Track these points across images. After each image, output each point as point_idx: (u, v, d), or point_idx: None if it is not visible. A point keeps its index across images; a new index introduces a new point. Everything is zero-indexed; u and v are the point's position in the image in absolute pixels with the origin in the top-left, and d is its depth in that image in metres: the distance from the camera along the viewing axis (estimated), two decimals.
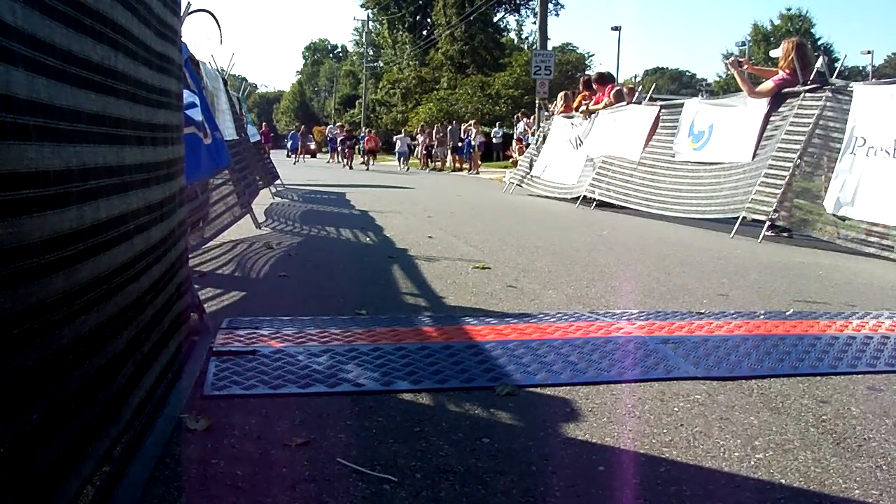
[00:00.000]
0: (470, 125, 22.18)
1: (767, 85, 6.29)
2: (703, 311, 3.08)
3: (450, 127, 23.64)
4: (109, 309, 1.25)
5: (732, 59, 6.89)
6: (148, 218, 1.55)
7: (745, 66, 6.64)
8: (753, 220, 5.91)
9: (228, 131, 6.27)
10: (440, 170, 22.08)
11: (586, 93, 10.02)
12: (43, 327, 0.97)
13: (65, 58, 1.04)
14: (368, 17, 47.47)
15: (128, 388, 1.38)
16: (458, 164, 22.76)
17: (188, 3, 3.71)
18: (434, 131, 24.06)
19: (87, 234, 1.14)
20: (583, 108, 9.76)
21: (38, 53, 0.95)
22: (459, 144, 22.48)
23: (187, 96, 3.96)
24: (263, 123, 25.33)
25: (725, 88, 42.14)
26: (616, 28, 37.92)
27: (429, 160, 24.01)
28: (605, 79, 9.92)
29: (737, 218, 6.00)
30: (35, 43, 0.94)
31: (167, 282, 1.77)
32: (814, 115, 5.65)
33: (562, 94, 11.32)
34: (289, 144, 29.33)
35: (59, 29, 1.02)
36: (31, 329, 0.94)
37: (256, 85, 79.91)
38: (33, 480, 0.94)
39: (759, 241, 5.65)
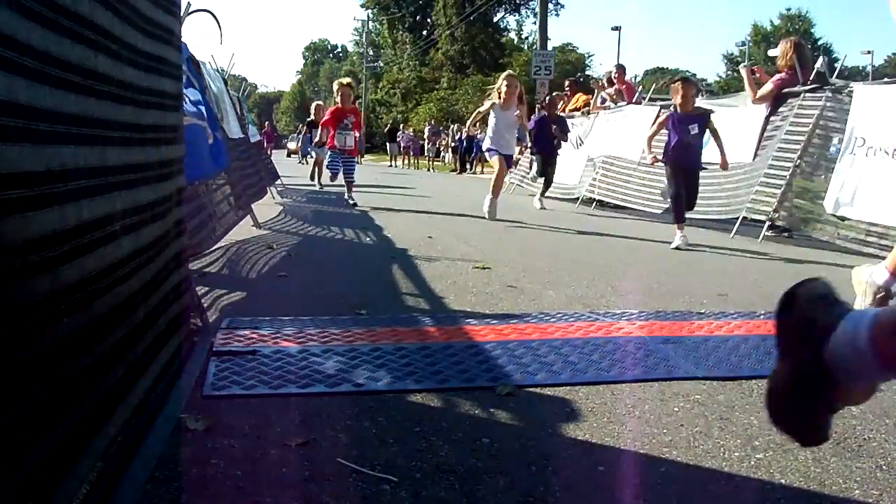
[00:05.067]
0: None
1: (767, 87, 6.29)
2: (703, 311, 3.08)
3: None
4: (97, 309, 1.23)
5: (747, 65, 6.82)
6: (138, 218, 1.53)
7: (759, 75, 6.60)
8: (753, 220, 5.91)
9: (234, 130, 6.28)
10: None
11: (588, 97, 10.15)
12: (28, 327, 0.96)
13: (43, 59, 1.04)
14: (368, 17, 47.49)
15: (123, 387, 1.37)
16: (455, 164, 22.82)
17: (188, 2, 3.70)
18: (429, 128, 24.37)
19: (72, 234, 1.13)
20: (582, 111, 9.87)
21: (17, 55, 0.95)
22: (453, 144, 22.59)
23: (194, 94, 3.96)
24: (266, 123, 24.49)
25: (725, 88, 42.08)
26: (616, 28, 37.84)
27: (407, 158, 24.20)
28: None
29: (737, 218, 6.00)
30: (14, 44, 0.94)
31: (161, 282, 1.76)
32: (814, 115, 5.65)
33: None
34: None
35: (37, 31, 1.02)
36: (17, 328, 0.93)
37: (256, 85, 79.91)
38: (26, 479, 0.94)
39: (759, 241, 5.64)
